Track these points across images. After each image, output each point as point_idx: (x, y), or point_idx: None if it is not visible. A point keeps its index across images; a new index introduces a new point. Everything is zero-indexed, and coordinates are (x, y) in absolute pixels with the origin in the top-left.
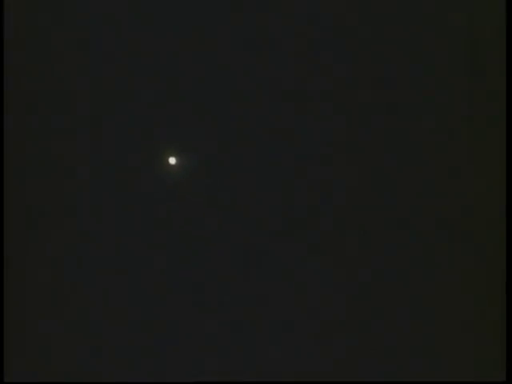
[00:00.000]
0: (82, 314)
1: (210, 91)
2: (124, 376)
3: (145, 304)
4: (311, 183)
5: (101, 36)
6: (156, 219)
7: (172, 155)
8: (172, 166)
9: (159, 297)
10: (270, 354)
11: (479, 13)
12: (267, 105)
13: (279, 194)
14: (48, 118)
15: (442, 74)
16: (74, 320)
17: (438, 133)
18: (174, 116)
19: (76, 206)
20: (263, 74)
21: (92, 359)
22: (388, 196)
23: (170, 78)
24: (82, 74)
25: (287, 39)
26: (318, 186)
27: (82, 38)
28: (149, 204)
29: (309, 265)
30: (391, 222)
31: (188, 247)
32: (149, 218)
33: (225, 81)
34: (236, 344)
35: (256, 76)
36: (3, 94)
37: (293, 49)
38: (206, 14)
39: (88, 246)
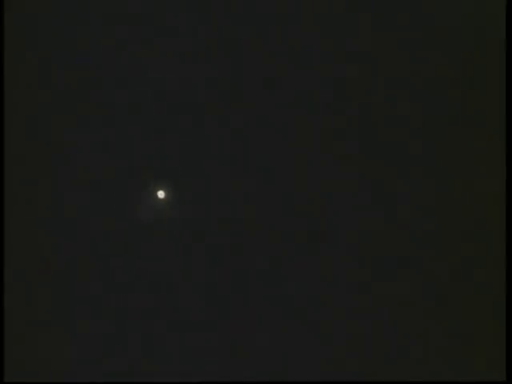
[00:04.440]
0: (83, 314)
1: None
2: (124, 376)
3: (144, 304)
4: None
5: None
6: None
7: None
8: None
9: (159, 299)
10: (270, 354)
11: (479, 13)
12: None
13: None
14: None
15: (441, 74)
16: (74, 320)
17: (437, 132)
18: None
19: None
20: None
21: (92, 359)
22: (387, 196)
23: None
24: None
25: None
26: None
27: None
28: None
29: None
30: (390, 221)
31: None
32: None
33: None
34: (235, 344)
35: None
36: (3, 91)
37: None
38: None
39: (88, 250)
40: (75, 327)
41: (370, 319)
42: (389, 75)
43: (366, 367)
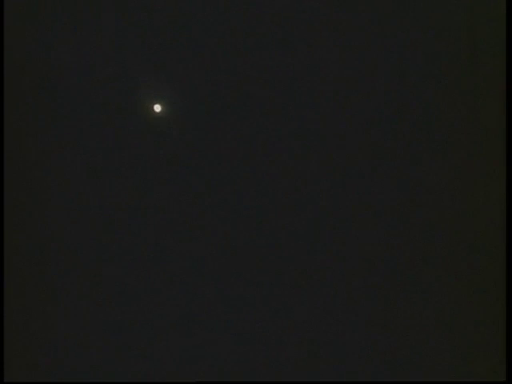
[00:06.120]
0: (83, 313)
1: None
2: (124, 376)
3: (144, 303)
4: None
5: None
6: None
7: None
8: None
9: (159, 294)
10: (270, 353)
11: (479, 13)
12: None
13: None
14: None
15: (441, 74)
16: (74, 319)
17: (436, 132)
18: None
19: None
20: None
21: (92, 359)
22: (387, 196)
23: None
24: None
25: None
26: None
27: None
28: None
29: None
30: (389, 221)
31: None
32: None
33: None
34: (236, 344)
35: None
36: (3, 90)
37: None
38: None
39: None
40: (75, 327)
41: (368, 319)
42: (388, 76)
43: (365, 367)
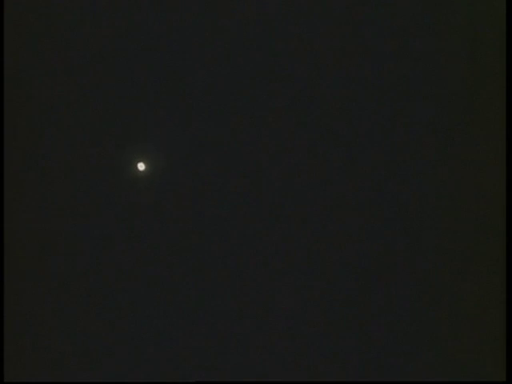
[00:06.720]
0: (83, 314)
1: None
2: (124, 376)
3: (144, 304)
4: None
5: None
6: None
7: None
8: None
9: (158, 296)
10: (270, 354)
11: (479, 13)
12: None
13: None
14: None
15: (440, 74)
16: (74, 320)
17: (436, 133)
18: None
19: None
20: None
21: (92, 359)
22: (386, 195)
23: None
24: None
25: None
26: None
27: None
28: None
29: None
30: (389, 221)
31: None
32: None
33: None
34: (236, 344)
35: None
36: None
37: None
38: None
39: (86, 251)
40: (75, 327)
41: (369, 319)
42: (387, 76)
43: (364, 367)
